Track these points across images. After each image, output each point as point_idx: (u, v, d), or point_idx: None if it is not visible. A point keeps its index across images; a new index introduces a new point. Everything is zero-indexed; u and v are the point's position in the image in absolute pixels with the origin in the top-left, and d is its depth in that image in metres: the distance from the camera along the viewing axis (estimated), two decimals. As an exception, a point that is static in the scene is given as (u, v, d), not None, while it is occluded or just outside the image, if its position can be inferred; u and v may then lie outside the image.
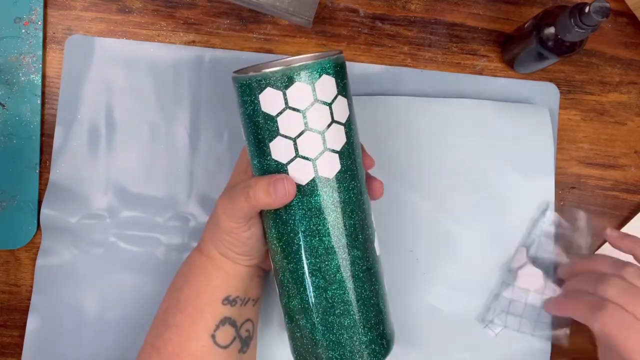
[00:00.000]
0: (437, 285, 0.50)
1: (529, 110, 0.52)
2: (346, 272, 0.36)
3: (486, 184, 0.51)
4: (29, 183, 0.49)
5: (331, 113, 0.34)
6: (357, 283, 0.36)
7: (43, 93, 0.49)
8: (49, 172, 0.49)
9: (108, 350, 0.48)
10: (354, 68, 0.51)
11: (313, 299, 0.36)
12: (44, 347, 0.47)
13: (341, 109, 0.35)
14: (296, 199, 0.35)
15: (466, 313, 0.50)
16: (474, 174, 0.51)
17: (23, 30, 0.49)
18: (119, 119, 0.50)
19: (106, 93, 0.50)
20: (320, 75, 0.34)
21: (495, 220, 0.50)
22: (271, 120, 0.34)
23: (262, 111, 0.34)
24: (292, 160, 0.35)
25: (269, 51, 0.51)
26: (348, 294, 0.36)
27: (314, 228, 0.35)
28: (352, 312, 0.36)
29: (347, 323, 0.36)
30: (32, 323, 0.48)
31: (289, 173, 0.35)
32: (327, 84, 0.34)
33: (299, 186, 0.35)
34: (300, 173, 0.35)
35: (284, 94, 0.33)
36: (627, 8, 0.53)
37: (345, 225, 0.36)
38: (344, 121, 0.35)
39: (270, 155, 0.35)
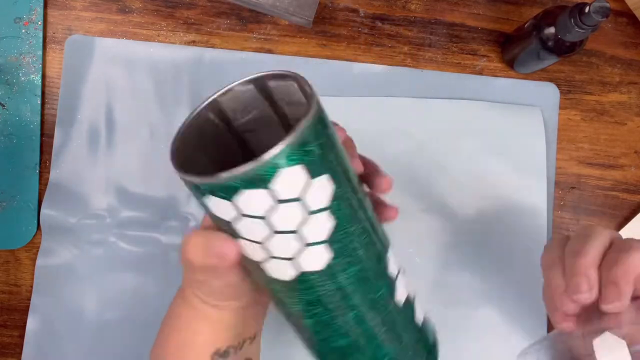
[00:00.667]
0: (435, 283, 0.50)
1: (523, 112, 0.52)
2: (355, 333, 0.31)
3: (484, 185, 0.51)
4: (29, 183, 0.49)
5: (304, 206, 0.26)
6: (374, 335, 0.31)
7: (43, 93, 0.49)
8: (49, 172, 0.49)
9: (108, 350, 0.48)
10: (354, 68, 0.51)
11: (326, 350, 0.32)
12: (44, 347, 0.47)
13: (320, 191, 0.26)
14: (284, 292, 0.29)
15: (465, 314, 0.50)
16: (472, 174, 0.51)
17: (23, 30, 0.49)
18: (119, 119, 0.49)
19: (106, 93, 0.50)
20: (275, 173, 0.25)
21: (493, 220, 0.51)
22: (227, 224, 0.27)
23: (214, 214, 0.27)
24: (265, 260, 0.28)
25: (269, 51, 0.51)
26: (368, 348, 0.31)
27: (311, 313, 0.30)
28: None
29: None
30: (32, 323, 0.48)
31: (267, 270, 0.28)
32: (290, 177, 0.25)
33: (283, 281, 0.29)
34: (281, 271, 0.28)
35: (233, 204, 0.26)
36: (627, 8, 0.53)
37: (347, 305, 0.30)
38: (325, 204, 0.27)
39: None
